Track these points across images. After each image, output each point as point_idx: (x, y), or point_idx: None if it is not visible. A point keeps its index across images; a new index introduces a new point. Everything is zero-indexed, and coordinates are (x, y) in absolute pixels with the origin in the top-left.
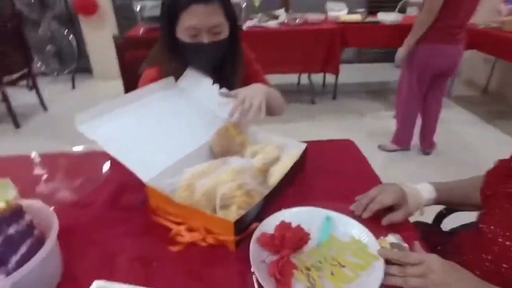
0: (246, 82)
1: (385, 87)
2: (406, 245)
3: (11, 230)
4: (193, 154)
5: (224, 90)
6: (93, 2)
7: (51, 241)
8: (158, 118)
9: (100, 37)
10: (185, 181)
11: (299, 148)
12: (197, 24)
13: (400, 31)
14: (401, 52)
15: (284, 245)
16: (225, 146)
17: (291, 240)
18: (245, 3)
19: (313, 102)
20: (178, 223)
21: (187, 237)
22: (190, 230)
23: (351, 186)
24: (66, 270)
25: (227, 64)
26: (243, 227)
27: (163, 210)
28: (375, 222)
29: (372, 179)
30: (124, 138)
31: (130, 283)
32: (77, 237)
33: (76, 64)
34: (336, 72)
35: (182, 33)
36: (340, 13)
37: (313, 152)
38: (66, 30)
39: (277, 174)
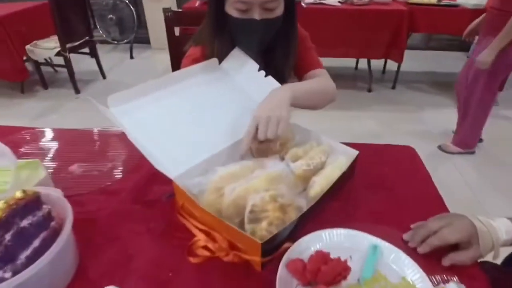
0: (296, 63)
1: (453, 79)
2: None
3: (25, 222)
4: (229, 149)
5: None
6: None
7: (63, 238)
8: (194, 106)
9: (158, 9)
10: (214, 183)
11: (349, 156)
12: None
13: None
14: (488, 56)
15: (318, 280)
16: (264, 143)
17: (327, 274)
18: None
19: (370, 90)
20: (202, 231)
21: (208, 250)
22: (213, 240)
23: (407, 207)
24: (78, 269)
25: (278, 46)
26: (273, 247)
27: (188, 211)
28: (433, 260)
29: (435, 202)
30: (154, 127)
31: None
32: (96, 231)
33: (135, 34)
34: (399, 60)
35: (231, 7)
36: None
37: (365, 157)
38: (128, 0)
39: (319, 185)
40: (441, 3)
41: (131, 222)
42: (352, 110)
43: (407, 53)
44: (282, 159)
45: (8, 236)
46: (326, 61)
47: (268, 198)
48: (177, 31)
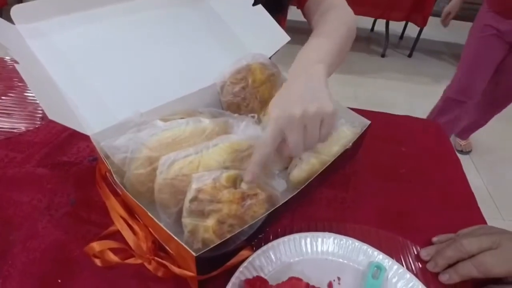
0: None
1: None
2: None
3: None
4: (186, 101)
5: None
6: None
7: None
8: (143, 36)
9: None
10: (147, 150)
11: (357, 126)
12: None
13: None
14: None
15: None
16: (240, 94)
17: None
18: None
19: (384, 55)
20: (124, 218)
21: (123, 252)
22: (136, 234)
23: (429, 207)
24: None
25: None
26: (220, 256)
27: (110, 187)
28: None
29: (466, 201)
30: (77, 58)
31: None
32: None
33: None
34: (422, 24)
35: None
36: None
37: (374, 130)
38: None
39: (307, 166)
40: None
41: (26, 192)
42: (361, 75)
43: (431, 20)
44: (259, 121)
45: None
46: None
47: (225, 180)
48: None
